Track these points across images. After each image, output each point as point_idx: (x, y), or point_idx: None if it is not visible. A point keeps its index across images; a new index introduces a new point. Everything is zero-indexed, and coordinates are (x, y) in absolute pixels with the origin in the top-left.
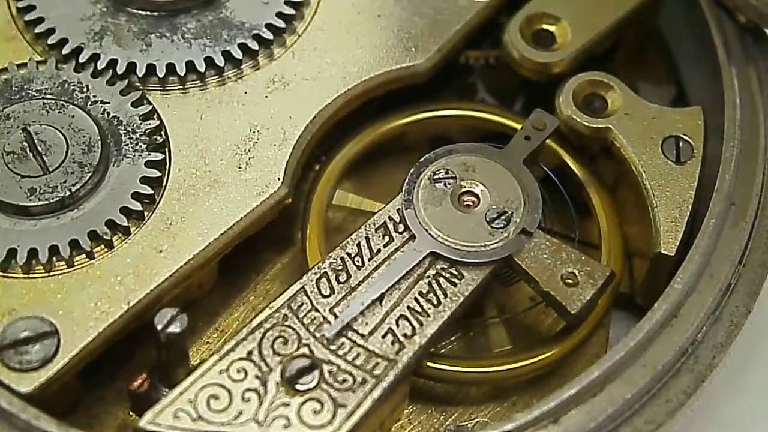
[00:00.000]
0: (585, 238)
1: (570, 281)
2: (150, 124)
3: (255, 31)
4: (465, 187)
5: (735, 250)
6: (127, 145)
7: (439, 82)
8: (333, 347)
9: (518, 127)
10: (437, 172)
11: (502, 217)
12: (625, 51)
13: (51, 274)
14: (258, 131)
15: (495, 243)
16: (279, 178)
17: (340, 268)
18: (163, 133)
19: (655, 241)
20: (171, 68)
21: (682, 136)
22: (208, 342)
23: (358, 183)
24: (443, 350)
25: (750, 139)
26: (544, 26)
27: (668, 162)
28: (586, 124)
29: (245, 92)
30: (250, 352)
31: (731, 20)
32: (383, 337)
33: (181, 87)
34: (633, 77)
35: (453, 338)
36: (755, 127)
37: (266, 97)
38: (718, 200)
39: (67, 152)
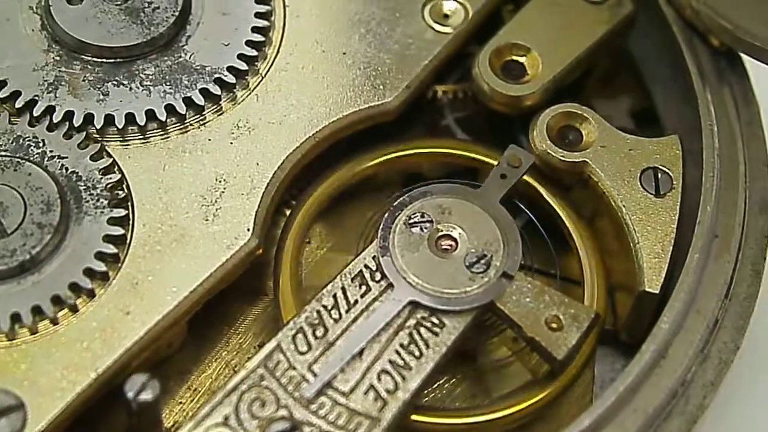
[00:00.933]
0: (566, 273)
1: (554, 325)
2: (111, 178)
3: (216, 75)
4: (442, 231)
5: (720, 285)
6: (88, 201)
7: (408, 117)
8: (313, 407)
9: (492, 161)
10: (412, 216)
11: (482, 261)
12: (595, 77)
13: (13, 343)
14: (224, 180)
15: (476, 288)
16: (248, 229)
17: (317, 322)
18: (125, 187)
19: (639, 279)
20: (130, 118)
21: (660, 167)
22: (181, 402)
23: (329, 226)
24: (426, 400)
25: (729, 168)
26: (514, 58)
27: (648, 195)
28: (562, 158)
29: (209, 139)
30: (226, 417)
31: (704, 43)
32: (365, 394)
33: (142, 137)
34: (604, 103)
35: (436, 386)
36: (734, 154)
37: (231, 143)
38: (701, 233)
39: (25, 213)
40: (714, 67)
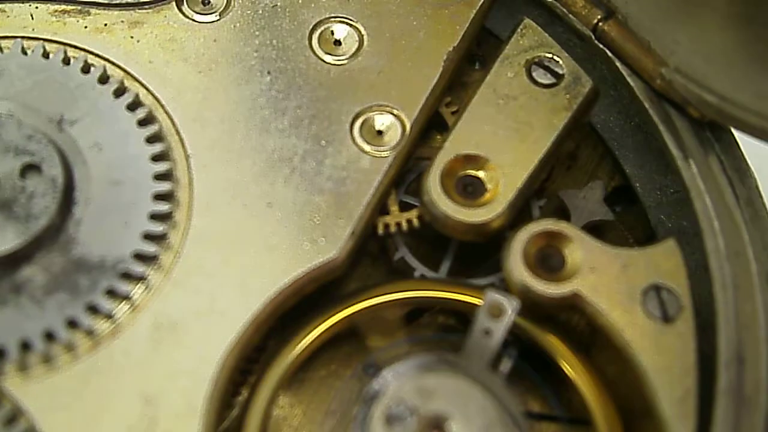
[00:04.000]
0: (571, 411)
1: None
2: (16, 430)
3: (121, 266)
4: (429, 422)
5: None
6: None
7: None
8: None
9: (464, 298)
10: (391, 408)
11: None
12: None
13: None
14: (154, 402)
15: None
16: None
17: None
18: None
19: None
20: (25, 345)
21: (662, 284)
22: None
23: (293, 394)
24: None
25: (739, 270)
26: (470, 172)
27: (654, 322)
28: (548, 293)
29: (127, 351)
30: None
31: (682, 114)
32: None
33: (46, 364)
34: (572, 194)
35: None
36: (741, 248)
37: (154, 350)
38: (727, 362)
39: None
40: (696, 139)
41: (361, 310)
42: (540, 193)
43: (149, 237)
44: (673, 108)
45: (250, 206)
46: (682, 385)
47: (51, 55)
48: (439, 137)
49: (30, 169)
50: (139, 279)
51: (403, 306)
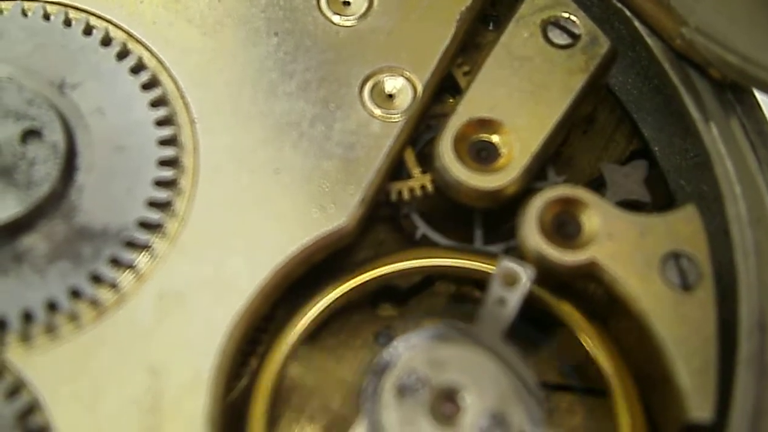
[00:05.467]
0: (587, 382)
1: None
2: (18, 403)
3: (125, 234)
4: (441, 393)
5: None
6: None
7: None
8: None
9: (478, 266)
10: (403, 379)
11: (499, 424)
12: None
13: None
14: (160, 373)
15: None
16: None
17: None
18: (41, 412)
19: (682, 406)
20: (27, 315)
21: (681, 251)
22: None
23: (303, 363)
24: None
25: (761, 234)
26: (483, 137)
27: (673, 291)
28: (563, 261)
29: (132, 321)
30: None
31: (702, 76)
32: None
33: (49, 334)
34: (589, 154)
35: None
36: (763, 216)
37: (160, 320)
38: (748, 331)
39: None
40: (717, 101)
41: (373, 278)
42: (556, 158)
43: (154, 204)
44: (693, 69)
45: (257, 172)
46: (702, 355)
47: (52, 17)
48: (451, 100)
49: (31, 134)
50: (144, 247)
51: (415, 274)
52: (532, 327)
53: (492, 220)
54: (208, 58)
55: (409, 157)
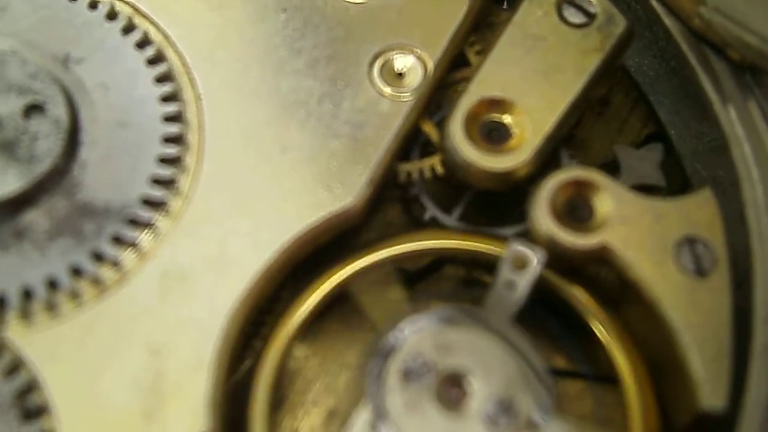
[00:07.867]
0: (597, 369)
1: None
2: (17, 382)
3: (127, 212)
4: (447, 378)
5: None
6: None
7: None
8: None
9: (487, 249)
10: (408, 362)
11: (506, 411)
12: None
13: None
14: (162, 354)
15: None
16: (203, 421)
17: None
18: (40, 391)
19: (694, 395)
20: (27, 293)
21: (696, 236)
22: None
23: (308, 346)
24: None
25: None
26: (494, 117)
27: (687, 277)
28: (575, 245)
29: (133, 300)
30: None
31: (721, 57)
32: None
33: (49, 312)
34: (603, 137)
35: None
36: None
37: (162, 299)
38: (764, 319)
39: None
40: (735, 82)
41: (380, 260)
42: (569, 140)
43: (157, 181)
44: (711, 50)
45: (264, 151)
46: (716, 343)
47: None
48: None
49: (33, 109)
50: (147, 225)
51: (424, 256)
52: (542, 311)
53: (500, 203)
54: (215, 34)
55: (432, 132)
